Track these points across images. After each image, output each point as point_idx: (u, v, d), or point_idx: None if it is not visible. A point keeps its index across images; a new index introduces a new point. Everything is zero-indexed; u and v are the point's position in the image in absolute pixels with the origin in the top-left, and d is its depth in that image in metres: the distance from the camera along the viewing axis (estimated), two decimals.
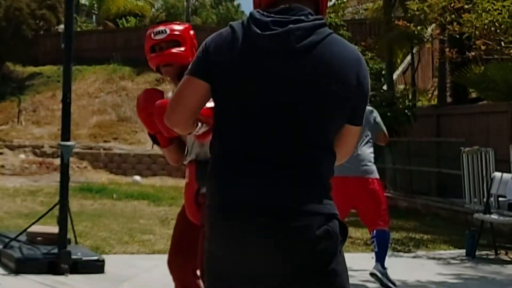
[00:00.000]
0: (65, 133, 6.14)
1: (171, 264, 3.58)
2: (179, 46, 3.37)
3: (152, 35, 3.40)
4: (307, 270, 2.07)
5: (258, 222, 2.03)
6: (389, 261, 6.99)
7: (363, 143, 6.03)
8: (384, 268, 5.96)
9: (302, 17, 2.13)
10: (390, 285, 5.91)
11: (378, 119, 6.23)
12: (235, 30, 2.17)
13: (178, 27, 3.44)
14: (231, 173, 2.12)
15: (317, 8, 2.24)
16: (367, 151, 6.05)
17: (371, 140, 6.15)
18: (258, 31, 2.10)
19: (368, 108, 6.18)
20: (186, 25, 3.50)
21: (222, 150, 2.16)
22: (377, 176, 6.10)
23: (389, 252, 7.77)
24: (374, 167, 6.09)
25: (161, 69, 3.43)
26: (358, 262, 7.01)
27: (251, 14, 2.17)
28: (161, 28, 3.41)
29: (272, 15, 2.13)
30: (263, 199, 2.05)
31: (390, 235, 6.21)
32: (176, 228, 3.69)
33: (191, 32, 3.46)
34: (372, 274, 5.96)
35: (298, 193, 2.06)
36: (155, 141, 3.43)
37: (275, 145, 2.09)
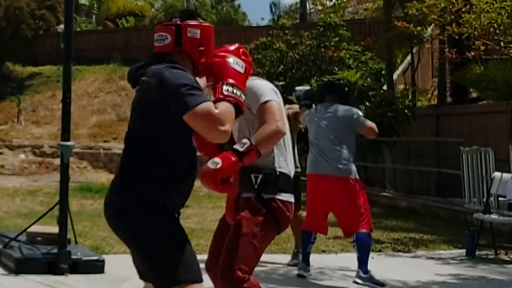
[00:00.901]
0: (65, 133, 6.14)
1: (209, 272, 3.72)
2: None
3: None
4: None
5: None
6: (389, 261, 7.00)
7: (342, 142, 6.02)
8: (367, 273, 5.90)
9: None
10: (377, 287, 5.89)
11: (356, 116, 6.11)
12: None
13: (222, 51, 3.56)
14: None
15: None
16: (345, 151, 6.01)
17: (351, 140, 6.09)
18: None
19: (345, 107, 6.21)
20: (234, 48, 3.49)
21: None
22: (356, 176, 6.01)
23: (389, 252, 7.79)
24: (352, 167, 6.00)
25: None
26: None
27: None
28: None
29: None
30: None
31: (371, 238, 6.07)
32: (215, 234, 3.87)
33: (240, 50, 3.48)
34: (354, 282, 5.94)
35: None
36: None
37: None
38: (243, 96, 3.05)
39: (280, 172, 3.46)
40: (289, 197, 3.47)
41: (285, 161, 3.52)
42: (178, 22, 3.03)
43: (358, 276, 5.93)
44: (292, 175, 3.55)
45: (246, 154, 3.22)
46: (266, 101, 3.41)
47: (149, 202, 2.91)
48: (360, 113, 6.25)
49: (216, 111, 2.83)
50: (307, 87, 7.24)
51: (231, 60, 3.16)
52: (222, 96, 2.97)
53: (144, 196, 2.91)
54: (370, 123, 6.22)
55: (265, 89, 3.49)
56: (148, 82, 2.90)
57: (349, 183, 5.96)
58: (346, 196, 5.96)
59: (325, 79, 13.48)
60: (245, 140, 3.27)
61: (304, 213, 6.63)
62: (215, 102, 2.94)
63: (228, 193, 3.61)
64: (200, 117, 2.80)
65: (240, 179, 3.45)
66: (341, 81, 7.23)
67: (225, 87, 3.00)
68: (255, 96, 3.42)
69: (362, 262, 5.93)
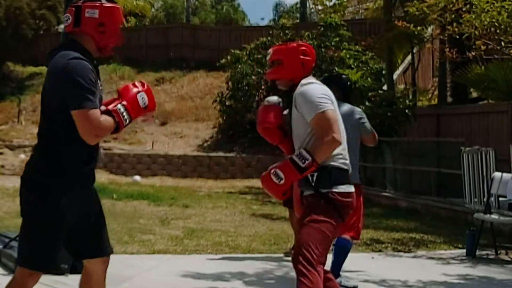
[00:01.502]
0: None
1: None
2: (279, 64, 3.97)
3: (267, 56, 4.10)
4: None
5: None
6: (389, 261, 7.00)
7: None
8: (337, 277, 5.84)
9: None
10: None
11: (364, 121, 5.85)
12: None
13: (279, 49, 4.05)
14: None
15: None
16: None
17: (354, 142, 5.73)
18: None
19: (348, 106, 5.82)
20: (291, 45, 4.04)
21: None
22: (357, 181, 5.79)
23: (389, 252, 7.79)
24: (355, 173, 5.84)
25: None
26: (358, 262, 7.01)
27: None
28: (269, 50, 4.06)
29: None
30: None
31: (351, 246, 5.82)
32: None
33: (299, 48, 3.99)
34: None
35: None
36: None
37: None
38: (127, 122, 3.26)
39: (332, 166, 3.76)
40: (346, 188, 3.79)
41: (339, 154, 3.79)
42: (80, 4, 3.25)
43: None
44: (348, 167, 3.85)
45: (307, 169, 3.67)
46: (324, 111, 3.68)
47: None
48: (365, 116, 5.95)
49: (99, 122, 3.13)
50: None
51: (140, 93, 3.34)
52: (111, 109, 3.22)
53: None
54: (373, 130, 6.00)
55: (321, 96, 3.73)
56: (53, 70, 3.18)
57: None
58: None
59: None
60: (305, 154, 3.66)
61: None
62: (103, 111, 3.20)
63: (295, 188, 3.97)
64: (85, 119, 3.10)
65: (298, 180, 3.80)
66: (343, 76, 6.89)
67: (119, 106, 3.24)
68: (312, 105, 3.70)
69: (337, 266, 5.82)
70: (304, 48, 3.99)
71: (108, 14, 3.26)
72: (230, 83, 19.97)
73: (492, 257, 7.83)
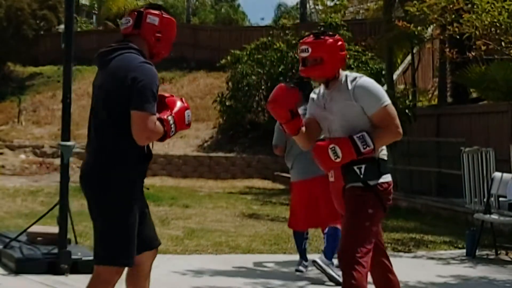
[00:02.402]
0: (65, 133, 6.14)
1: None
2: (320, 62, 3.89)
3: (299, 51, 3.98)
4: None
5: None
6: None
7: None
8: (330, 259, 5.89)
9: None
10: (335, 276, 5.82)
11: None
12: None
13: (318, 45, 3.91)
14: None
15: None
16: None
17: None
18: None
19: None
20: (329, 41, 3.92)
21: None
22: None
23: (389, 252, 7.77)
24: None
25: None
26: None
27: None
28: (303, 46, 3.94)
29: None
30: None
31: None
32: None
33: (337, 43, 3.94)
34: (314, 262, 5.93)
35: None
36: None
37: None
38: (173, 133, 3.51)
39: (379, 158, 3.86)
40: (388, 177, 3.89)
41: (385, 148, 3.91)
42: (142, 10, 3.52)
43: (321, 259, 5.91)
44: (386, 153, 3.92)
45: (364, 155, 3.73)
46: (386, 105, 3.81)
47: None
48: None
49: (154, 127, 3.36)
50: None
51: (187, 111, 3.61)
52: (163, 118, 3.46)
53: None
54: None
55: (382, 91, 3.85)
56: (124, 69, 3.35)
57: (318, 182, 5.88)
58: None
59: None
60: (368, 141, 3.72)
61: None
62: (158, 118, 3.43)
63: (333, 185, 3.99)
64: (142, 122, 3.32)
65: (344, 172, 3.84)
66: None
67: (170, 117, 3.49)
68: (376, 98, 3.80)
69: (331, 252, 5.90)
70: (341, 43, 3.99)
71: (166, 24, 3.53)
72: (230, 83, 19.96)
73: (492, 257, 7.83)
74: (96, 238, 3.45)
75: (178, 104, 3.57)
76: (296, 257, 6.65)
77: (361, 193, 3.81)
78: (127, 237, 3.37)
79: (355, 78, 3.88)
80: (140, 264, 3.54)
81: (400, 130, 3.82)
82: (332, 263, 5.93)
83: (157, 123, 3.39)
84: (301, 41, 4.02)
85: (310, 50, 3.90)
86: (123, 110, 3.35)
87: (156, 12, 3.51)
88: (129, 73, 3.33)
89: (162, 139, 3.49)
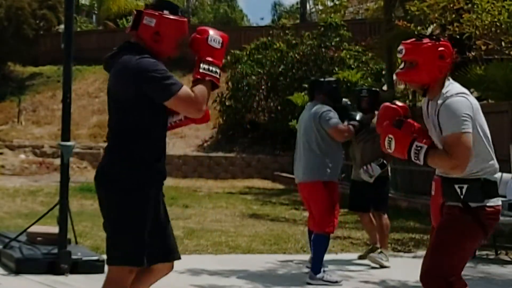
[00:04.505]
0: (65, 133, 6.13)
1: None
2: (414, 65, 3.56)
3: (398, 53, 3.67)
4: None
5: None
6: (389, 262, 6.98)
7: (311, 145, 5.95)
8: (317, 273, 5.86)
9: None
10: (331, 285, 5.85)
11: (320, 116, 5.94)
12: None
13: (413, 47, 3.58)
14: None
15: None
16: (310, 155, 5.94)
17: (313, 145, 5.95)
18: None
19: (316, 107, 6.03)
20: (426, 44, 3.56)
21: None
22: (324, 179, 5.89)
23: (389, 252, 7.79)
24: (319, 171, 5.90)
25: None
26: (358, 262, 7.02)
27: None
28: (400, 47, 3.62)
29: None
30: None
31: (325, 240, 5.93)
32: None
33: (436, 49, 3.54)
34: (307, 283, 5.91)
35: None
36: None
37: None
38: (218, 71, 3.36)
39: (484, 179, 3.55)
40: (496, 201, 3.57)
41: (489, 166, 3.63)
42: (141, 10, 3.44)
43: (310, 277, 5.91)
44: (497, 179, 3.62)
45: (412, 160, 3.49)
46: (460, 133, 3.40)
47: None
48: (328, 113, 5.95)
49: (193, 94, 3.28)
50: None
51: (209, 37, 3.38)
52: (199, 76, 3.34)
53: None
54: (337, 126, 5.96)
55: (465, 115, 3.42)
56: (123, 70, 3.30)
57: (312, 187, 5.92)
58: (311, 198, 5.99)
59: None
60: (421, 156, 3.44)
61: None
62: (193, 83, 3.34)
63: (433, 200, 3.73)
64: (181, 101, 3.26)
65: (444, 189, 3.56)
66: (332, 79, 7.00)
67: (202, 65, 3.35)
68: (452, 122, 3.42)
69: (314, 261, 5.92)
70: (442, 48, 3.55)
71: (166, 25, 3.37)
72: (230, 83, 19.97)
73: (492, 257, 7.83)
74: (108, 238, 3.38)
75: (197, 41, 3.40)
76: (296, 257, 6.66)
77: (459, 215, 3.49)
78: (139, 237, 3.30)
79: (449, 96, 3.50)
80: (151, 272, 3.46)
81: (459, 162, 3.41)
82: (322, 275, 5.89)
83: (195, 88, 3.32)
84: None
85: (404, 51, 3.59)
86: (131, 110, 3.32)
87: (155, 12, 3.38)
88: (131, 74, 3.29)
89: (214, 88, 3.40)
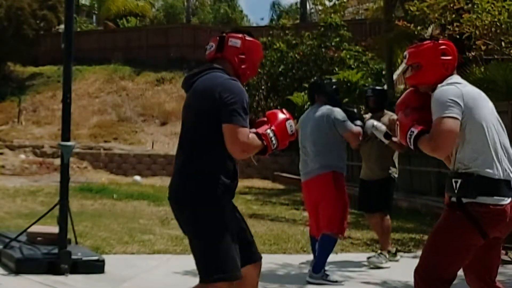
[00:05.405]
0: (65, 133, 6.14)
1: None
2: (419, 68, 3.64)
3: (403, 59, 3.69)
4: None
5: None
6: (389, 262, 6.99)
7: (322, 146, 6.00)
8: (318, 272, 5.87)
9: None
10: (331, 284, 5.86)
11: (334, 118, 6.03)
12: None
13: (415, 50, 3.68)
14: None
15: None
16: (320, 151, 6.00)
17: (323, 143, 6.02)
18: None
19: (325, 108, 6.09)
20: (427, 45, 3.66)
21: None
22: (333, 170, 5.95)
23: (393, 250, 7.79)
24: (319, 167, 5.96)
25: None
26: (358, 262, 7.02)
27: None
28: (405, 53, 3.74)
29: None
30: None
31: (332, 243, 5.96)
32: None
33: (437, 47, 3.64)
34: (308, 282, 5.92)
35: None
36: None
37: None
38: (275, 146, 3.58)
39: (478, 175, 3.40)
40: (490, 199, 3.37)
41: (489, 163, 3.42)
42: (224, 34, 3.63)
43: (309, 276, 5.93)
44: (501, 176, 3.41)
45: (411, 147, 3.57)
46: (442, 117, 3.39)
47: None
48: (340, 117, 6.04)
49: (249, 137, 3.42)
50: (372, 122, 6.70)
51: (289, 121, 3.66)
52: (261, 132, 3.53)
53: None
54: (352, 130, 6.04)
55: (449, 101, 3.43)
56: (206, 89, 3.42)
57: (326, 179, 5.93)
58: (324, 193, 5.97)
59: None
60: (414, 139, 3.48)
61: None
62: (253, 133, 3.49)
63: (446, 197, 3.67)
64: (235, 133, 3.36)
65: (447, 183, 3.53)
66: (332, 80, 7.04)
67: (269, 131, 3.56)
68: (437, 108, 3.44)
69: (316, 260, 5.93)
70: (443, 47, 3.64)
71: (249, 46, 3.64)
72: None
73: None
74: (199, 258, 3.43)
75: (279, 116, 3.63)
76: (296, 257, 6.66)
77: (450, 210, 3.46)
78: (230, 253, 3.37)
79: (440, 86, 3.55)
80: (244, 276, 3.48)
81: (434, 144, 3.41)
82: (324, 273, 5.92)
83: (251, 135, 3.44)
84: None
85: (408, 56, 3.67)
86: (210, 127, 3.39)
87: (238, 35, 3.62)
88: (215, 89, 3.39)
89: (264, 152, 3.56)
